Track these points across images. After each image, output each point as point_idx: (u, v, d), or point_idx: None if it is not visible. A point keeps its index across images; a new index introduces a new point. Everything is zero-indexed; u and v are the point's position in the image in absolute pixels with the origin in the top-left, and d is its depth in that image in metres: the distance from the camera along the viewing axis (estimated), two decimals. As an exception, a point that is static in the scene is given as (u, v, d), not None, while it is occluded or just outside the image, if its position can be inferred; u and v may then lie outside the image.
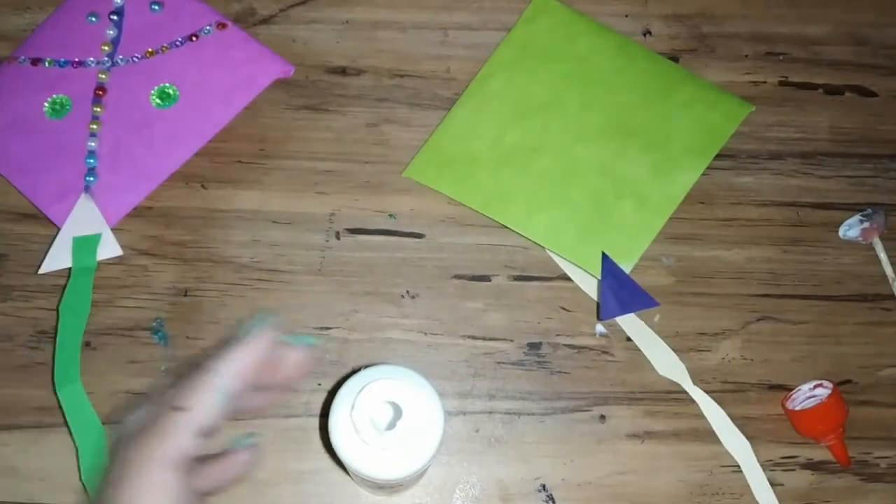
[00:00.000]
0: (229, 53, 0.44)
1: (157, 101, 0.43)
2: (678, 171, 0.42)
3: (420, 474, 0.31)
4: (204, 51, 0.44)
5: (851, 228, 0.43)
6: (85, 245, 0.41)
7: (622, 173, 0.42)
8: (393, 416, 0.30)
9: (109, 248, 0.41)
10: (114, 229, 0.42)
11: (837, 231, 0.43)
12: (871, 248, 0.43)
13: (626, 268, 0.41)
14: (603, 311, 0.40)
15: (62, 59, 0.44)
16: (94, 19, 0.44)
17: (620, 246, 0.41)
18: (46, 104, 0.43)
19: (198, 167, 0.43)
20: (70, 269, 0.41)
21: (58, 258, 0.41)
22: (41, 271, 0.41)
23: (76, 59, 0.44)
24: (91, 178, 0.42)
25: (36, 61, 0.44)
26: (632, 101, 0.44)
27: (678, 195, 0.42)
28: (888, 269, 0.42)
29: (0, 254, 0.42)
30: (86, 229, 0.41)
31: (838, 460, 0.40)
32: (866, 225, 0.42)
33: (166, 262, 0.42)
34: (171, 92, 0.43)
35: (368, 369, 0.30)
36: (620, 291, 0.40)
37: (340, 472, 0.39)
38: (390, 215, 0.43)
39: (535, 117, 0.43)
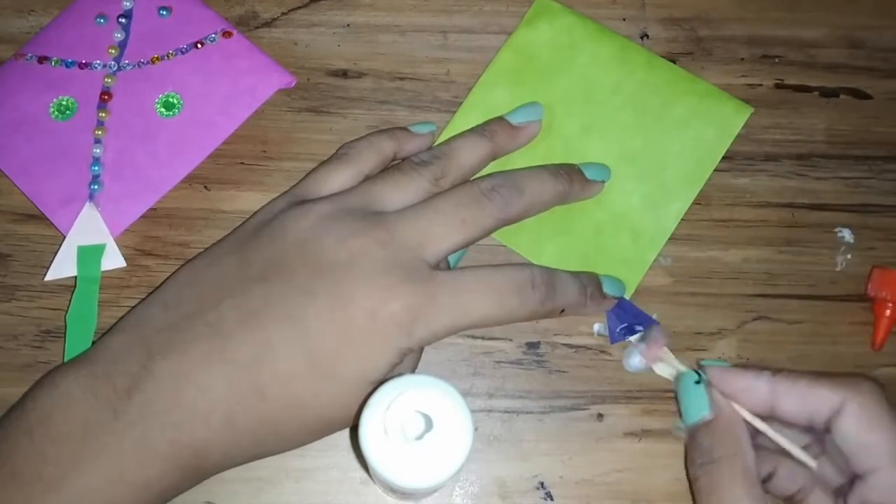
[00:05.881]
0: (233, 63, 0.44)
1: (162, 109, 0.43)
2: (670, 201, 0.43)
3: (433, 491, 0.32)
4: (208, 59, 0.44)
5: (632, 357, 0.40)
6: (89, 255, 0.41)
7: (619, 205, 0.43)
8: (424, 429, 0.31)
9: (113, 260, 0.42)
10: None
11: (832, 232, 0.44)
12: (862, 249, 0.43)
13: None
14: (612, 338, 0.41)
15: (69, 60, 0.44)
16: (102, 21, 0.45)
17: (619, 277, 0.41)
18: (52, 105, 0.43)
19: (201, 168, 0.43)
20: (75, 276, 0.41)
21: (63, 266, 0.41)
22: (46, 279, 0.41)
23: (83, 61, 0.44)
24: (95, 187, 0.42)
25: (42, 59, 0.44)
26: (629, 122, 0.44)
27: (669, 227, 0.43)
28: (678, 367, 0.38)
29: (5, 254, 0.42)
30: (90, 239, 0.42)
31: (876, 336, 0.41)
32: (643, 345, 0.39)
33: (169, 262, 0.42)
34: (175, 101, 0.43)
35: (412, 376, 0.31)
36: (625, 317, 0.41)
37: (342, 469, 0.40)
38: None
39: (539, 141, 0.44)
